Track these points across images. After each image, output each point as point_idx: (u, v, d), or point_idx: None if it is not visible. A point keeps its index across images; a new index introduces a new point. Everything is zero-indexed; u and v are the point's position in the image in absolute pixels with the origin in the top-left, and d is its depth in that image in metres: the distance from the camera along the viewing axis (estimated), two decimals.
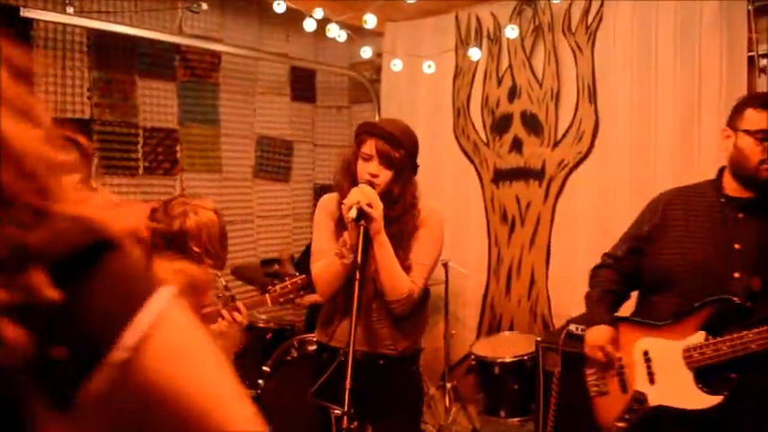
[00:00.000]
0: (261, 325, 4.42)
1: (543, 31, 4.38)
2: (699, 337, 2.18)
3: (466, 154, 4.84)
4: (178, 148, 4.81)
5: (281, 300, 2.65)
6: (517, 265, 4.58)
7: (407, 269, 2.38)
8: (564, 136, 4.36)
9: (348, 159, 2.44)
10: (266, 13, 5.07)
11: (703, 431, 2.18)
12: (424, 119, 5.04)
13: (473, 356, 4.08)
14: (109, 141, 4.42)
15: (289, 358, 3.98)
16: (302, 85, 5.56)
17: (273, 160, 5.39)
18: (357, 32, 4.87)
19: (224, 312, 2.42)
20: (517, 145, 4.58)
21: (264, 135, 5.32)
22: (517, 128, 4.57)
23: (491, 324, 4.70)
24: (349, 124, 5.67)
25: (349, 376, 1.96)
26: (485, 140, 4.75)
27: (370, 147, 2.32)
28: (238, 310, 2.42)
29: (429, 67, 4.53)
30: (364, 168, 2.34)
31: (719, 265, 2.17)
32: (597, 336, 2.39)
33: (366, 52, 4.66)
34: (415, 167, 2.43)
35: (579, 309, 4.01)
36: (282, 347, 4.19)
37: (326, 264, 2.40)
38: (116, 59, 4.44)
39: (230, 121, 5.10)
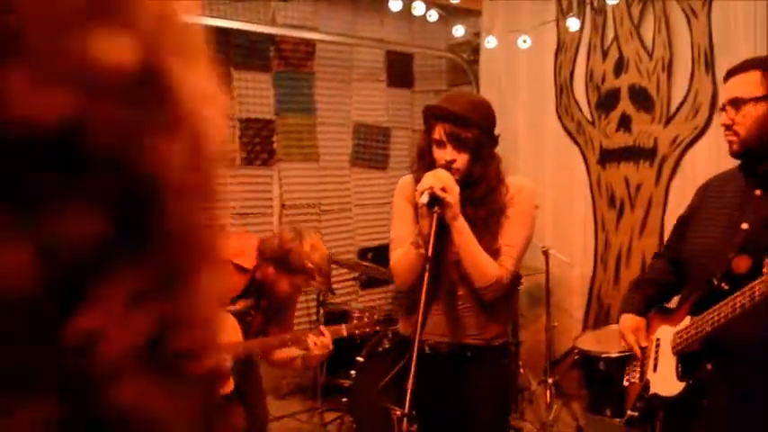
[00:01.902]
0: (357, 314, 4.36)
1: None
2: (686, 321, 2.05)
3: (570, 134, 4.54)
4: (275, 138, 4.84)
5: (357, 331, 2.88)
6: (626, 253, 4.24)
7: (496, 253, 2.20)
8: (678, 110, 3.97)
9: (422, 146, 2.30)
10: None
11: (678, 421, 2.09)
12: (524, 99, 4.79)
13: (577, 350, 3.82)
14: None
15: (381, 349, 3.89)
16: (399, 70, 5.44)
17: (371, 148, 5.31)
18: (453, 12, 4.69)
19: (310, 336, 2.68)
20: (625, 122, 4.23)
21: (361, 122, 5.26)
22: (625, 104, 4.22)
23: (598, 315, 4.40)
24: None
25: (412, 376, 1.82)
26: (590, 119, 4.43)
27: (439, 132, 2.17)
28: (323, 334, 2.68)
29: (525, 42, 4.27)
30: (439, 154, 2.19)
31: (724, 247, 1.97)
32: (622, 324, 2.32)
33: (459, 30, 4.47)
34: (494, 141, 2.24)
35: None
36: (376, 338, 4.12)
37: (403, 253, 2.28)
38: (211, 52, 4.49)
39: (326, 109, 5.07)
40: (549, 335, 4.11)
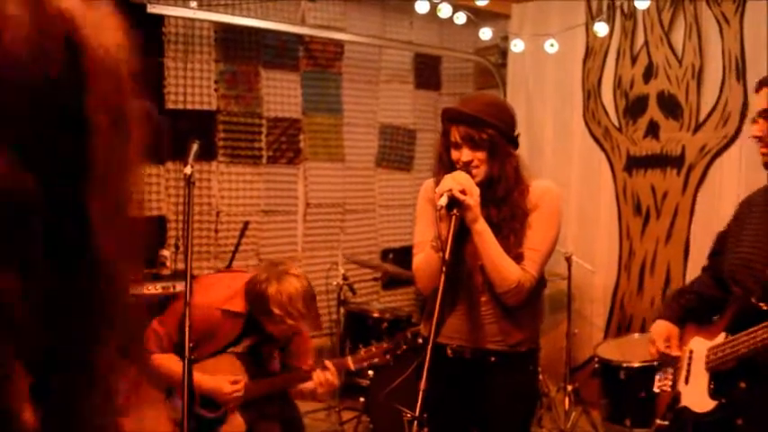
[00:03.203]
0: (376, 315, 4.38)
1: (684, 1, 3.95)
2: (721, 337, 1.99)
3: (596, 140, 4.50)
4: (301, 137, 4.88)
5: (365, 364, 2.73)
6: (651, 261, 4.19)
7: (519, 257, 2.19)
8: (707, 119, 3.92)
9: (440, 149, 2.29)
10: (389, 0, 5.02)
11: None
12: (551, 104, 4.77)
13: (597, 358, 3.78)
14: (234, 132, 4.57)
15: (399, 351, 3.89)
16: (426, 73, 5.44)
17: (396, 149, 5.33)
18: (482, 15, 4.68)
19: (316, 373, 2.57)
20: (653, 129, 4.18)
21: (388, 124, 5.27)
22: (653, 110, 4.17)
23: (621, 324, 4.35)
24: None
25: (425, 378, 1.82)
26: (617, 125, 4.39)
27: (455, 134, 2.17)
28: (328, 370, 2.58)
29: (552, 46, 4.25)
30: (457, 156, 2.19)
31: (761, 263, 1.91)
32: (654, 330, 2.26)
33: (485, 33, 4.46)
34: (511, 140, 2.23)
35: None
36: (395, 339, 4.13)
37: (425, 257, 2.26)
38: (241, 51, 4.56)
39: (353, 110, 5.09)
40: (569, 342, 4.07)
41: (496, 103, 2.26)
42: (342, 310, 4.46)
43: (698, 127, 3.95)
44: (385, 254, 5.18)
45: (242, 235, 3.93)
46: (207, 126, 4.45)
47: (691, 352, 2.13)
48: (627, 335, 4.15)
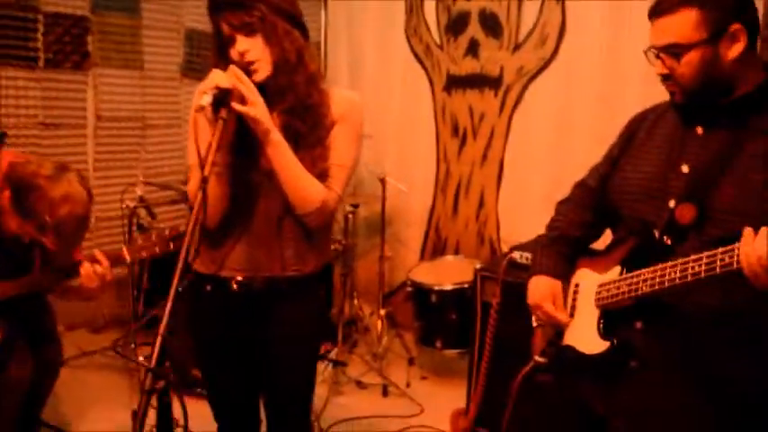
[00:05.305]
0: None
1: None
2: (615, 272, 1.78)
3: (417, 57, 4.32)
4: (90, 39, 4.21)
5: (144, 254, 2.19)
6: (466, 184, 4.16)
7: (325, 173, 1.92)
8: (526, 39, 3.85)
9: (214, 51, 1.92)
10: None
11: (599, 380, 1.81)
12: (372, 15, 4.50)
13: (410, 282, 3.72)
14: (1, 28, 3.82)
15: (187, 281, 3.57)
16: None
17: (205, 58, 4.79)
18: None
19: (84, 266, 2.13)
20: (473, 48, 4.06)
21: (194, 28, 4.72)
22: (474, 28, 4.04)
23: (436, 247, 4.32)
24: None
25: (164, 324, 1.51)
26: (438, 42, 4.22)
27: (224, 28, 1.82)
28: (98, 262, 2.14)
29: None
30: (234, 52, 1.84)
31: (661, 191, 1.71)
32: (534, 290, 1.95)
33: None
34: (294, 21, 1.89)
35: (531, 234, 3.63)
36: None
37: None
38: None
39: (154, 10, 4.49)
40: (382, 265, 3.97)
41: None
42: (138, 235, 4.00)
43: (517, 47, 3.88)
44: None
45: None
46: None
47: (576, 286, 1.91)
48: (441, 257, 4.12)
